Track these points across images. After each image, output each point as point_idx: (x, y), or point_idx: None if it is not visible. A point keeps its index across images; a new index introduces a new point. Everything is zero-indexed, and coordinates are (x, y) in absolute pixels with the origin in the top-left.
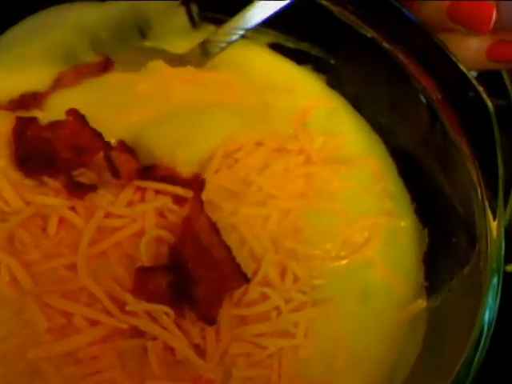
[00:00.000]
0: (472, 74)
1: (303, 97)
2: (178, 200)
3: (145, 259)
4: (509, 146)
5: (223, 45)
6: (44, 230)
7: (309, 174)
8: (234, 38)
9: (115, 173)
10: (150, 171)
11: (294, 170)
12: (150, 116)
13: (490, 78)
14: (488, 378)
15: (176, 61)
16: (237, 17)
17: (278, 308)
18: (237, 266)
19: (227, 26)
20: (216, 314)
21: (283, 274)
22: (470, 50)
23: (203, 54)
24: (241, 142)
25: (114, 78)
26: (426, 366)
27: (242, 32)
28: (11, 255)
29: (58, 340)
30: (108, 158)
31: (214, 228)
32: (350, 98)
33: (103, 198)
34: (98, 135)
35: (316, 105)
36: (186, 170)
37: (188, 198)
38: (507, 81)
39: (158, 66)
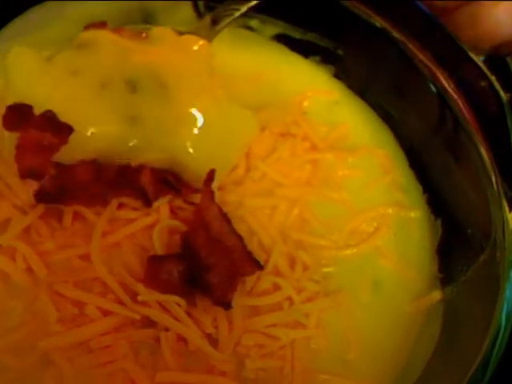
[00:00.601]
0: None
1: (304, 88)
2: (188, 202)
3: (158, 248)
4: None
5: (232, 15)
6: (60, 221)
7: (315, 161)
8: (243, 8)
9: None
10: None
11: (300, 155)
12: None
13: (496, 69)
14: (507, 374)
15: None
16: None
17: (289, 298)
18: (249, 254)
19: None
20: (231, 298)
21: (292, 263)
22: (506, 11)
23: (212, 26)
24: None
25: None
26: (444, 360)
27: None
28: (27, 244)
29: (69, 330)
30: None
31: (225, 217)
32: (358, 88)
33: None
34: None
35: (314, 94)
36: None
37: (196, 201)
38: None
39: (164, 32)
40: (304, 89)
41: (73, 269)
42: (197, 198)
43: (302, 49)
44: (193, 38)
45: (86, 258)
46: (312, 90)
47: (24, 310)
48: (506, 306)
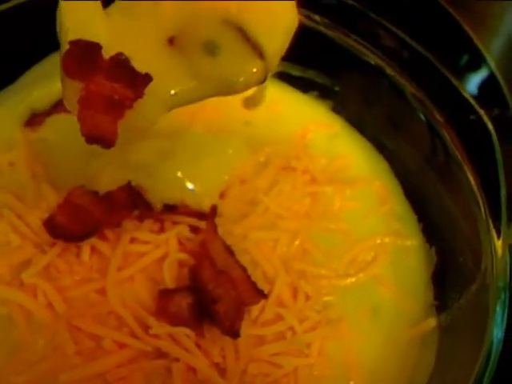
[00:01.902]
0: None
1: (306, 122)
2: (194, 230)
3: (168, 281)
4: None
5: None
6: (77, 256)
7: (314, 193)
8: None
9: (148, 207)
10: (170, 209)
11: (300, 188)
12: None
13: (487, 87)
14: None
15: None
16: None
17: (292, 328)
18: (253, 284)
19: None
20: (239, 327)
21: (295, 293)
22: None
23: None
24: (249, 164)
25: None
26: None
27: None
28: (48, 281)
29: (87, 363)
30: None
31: (228, 250)
32: (355, 121)
33: (128, 225)
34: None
35: (315, 128)
36: (207, 202)
37: (202, 227)
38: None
39: None
40: (305, 122)
41: (90, 303)
42: (202, 225)
43: (301, 85)
44: None
45: (101, 292)
46: (313, 124)
47: (45, 344)
48: (496, 331)
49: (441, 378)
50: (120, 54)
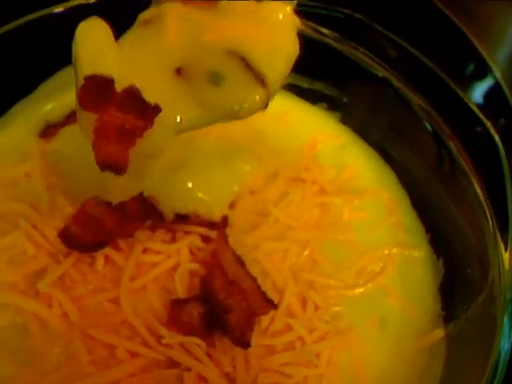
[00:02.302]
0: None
1: (315, 133)
2: (205, 239)
3: (180, 291)
4: None
5: None
6: (91, 265)
7: (323, 204)
8: None
9: (161, 217)
10: (182, 219)
11: (309, 199)
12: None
13: (493, 97)
14: None
15: None
16: None
17: (301, 338)
18: (263, 294)
19: None
20: (249, 337)
21: (304, 303)
22: None
23: None
24: (259, 175)
25: None
26: None
27: None
28: (62, 291)
29: (100, 372)
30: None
31: (239, 261)
32: (362, 132)
33: (141, 235)
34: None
35: (324, 139)
36: (217, 212)
37: (213, 237)
38: (511, 99)
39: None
40: (314, 133)
41: (103, 312)
42: (213, 234)
43: (310, 97)
44: (276, 4)
45: (115, 301)
46: (322, 135)
47: (60, 353)
48: (503, 342)
49: None
50: (131, 87)
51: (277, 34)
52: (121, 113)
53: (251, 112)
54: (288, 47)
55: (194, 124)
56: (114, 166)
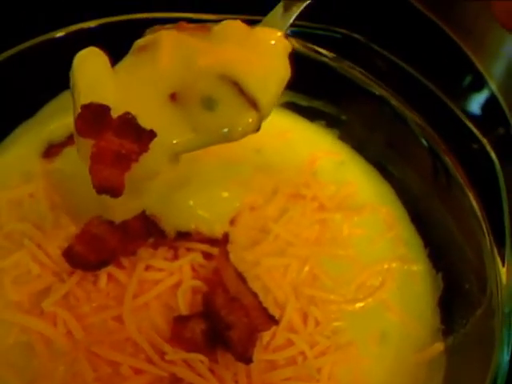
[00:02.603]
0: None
1: (314, 150)
2: (207, 256)
3: (182, 308)
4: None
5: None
6: (95, 283)
7: (323, 221)
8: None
9: (163, 235)
10: (184, 237)
11: (309, 215)
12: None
13: (490, 109)
14: None
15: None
16: None
17: (303, 353)
18: (264, 310)
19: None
20: (252, 353)
21: (305, 319)
22: None
23: (284, 14)
24: (259, 191)
25: None
26: None
27: None
28: (66, 309)
29: None
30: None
31: (240, 277)
32: (361, 149)
33: (143, 252)
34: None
35: (323, 155)
36: (218, 228)
37: (214, 253)
38: (507, 111)
39: (232, 25)
40: (313, 150)
41: (107, 330)
42: (214, 251)
43: (309, 114)
44: (268, 30)
45: (118, 319)
46: (321, 151)
47: (65, 371)
48: (501, 355)
49: None
50: (127, 114)
51: (268, 59)
52: (117, 138)
53: (244, 134)
54: (280, 71)
55: (188, 147)
56: (111, 190)
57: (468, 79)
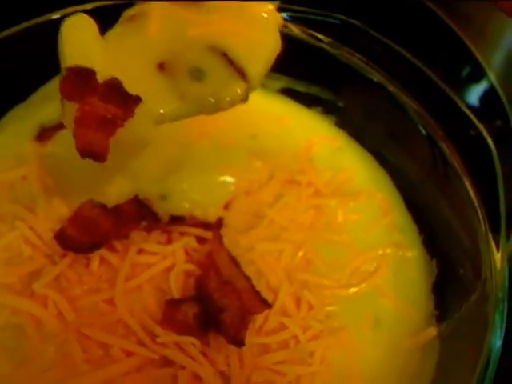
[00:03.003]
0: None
1: (310, 136)
2: (201, 240)
3: (174, 291)
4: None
5: None
6: (87, 266)
7: (318, 206)
8: None
9: (156, 219)
10: (177, 221)
11: (305, 201)
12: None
13: (488, 100)
14: None
15: None
16: None
17: (295, 336)
18: (257, 294)
19: None
20: (244, 336)
21: (298, 303)
22: None
23: None
24: (255, 176)
25: None
26: None
27: None
28: (57, 291)
29: (95, 370)
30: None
31: (233, 261)
32: (357, 136)
33: (136, 236)
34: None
35: (319, 141)
36: (212, 213)
37: (208, 238)
38: (505, 102)
39: None
40: (309, 136)
41: (99, 312)
42: (208, 235)
43: (306, 101)
44: (260, 3)
45: (110, 301)
46: (318, 137)
47: (55, 352)
48: (494, 340)
49: None
50: (113, 79)
51: (259, 31)
52: (102, 102)
53: (232, 104)
54: (270, 43)
55: (175, 115)
56: (94, 154)
57: (467, 69)
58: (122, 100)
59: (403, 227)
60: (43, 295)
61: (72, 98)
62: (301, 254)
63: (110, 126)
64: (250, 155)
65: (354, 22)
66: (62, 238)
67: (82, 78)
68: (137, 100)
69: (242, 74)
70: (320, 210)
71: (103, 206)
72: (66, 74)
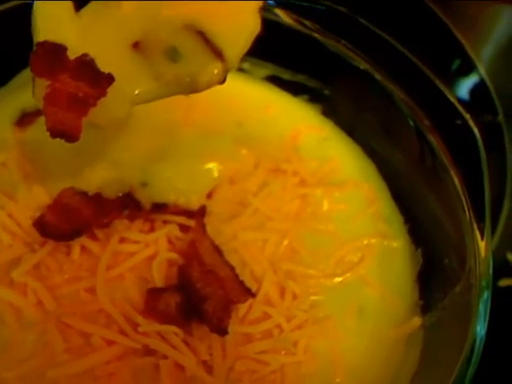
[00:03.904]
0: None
1: (296, 125)
2: (184, 229)
3: (157, 280)
4: (496, 160)
5: None
6: (67, 255)
7: (304, 196)
8: None
9: (138, 207)
10: (160, 208)
11: (290, 190)
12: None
13: (478, 93)
14: None
15: None
16: None
17: (279, 326)
18: (241, 283)
19: None
20: (227, 325)
21: (282, 292)
22: None
23: None
24: (240, 165)
25: None
26: (423, 381)
27: None
28: (37, 279)
29: (75, 359)
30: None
31: (216, 249)
32: (344, 125)
33: (119, 225)
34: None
35: (305, 131)
36: (195, 201)
37: (191, 226)
38: (495, 96)
39: None
40: (295, 125)
41: (79, 301)
42: (191, 223)
43: (292, 89)
44: None
45: (91, 290)
46: (304, 126)
47: (35, 341)
48: (478, 328)
49: (425, 375)
50: (85, 55)
51: (238, 12)
52: (74, 80)
53: (209, 85)
54: (248, 24)
55: (150, 96)
56: (65, 134)
57: (457, 63)
58: (94, 78)
59: (388, 217)
60: (23, 284)
61: (43, 75)
62: (285, 243)
63: (82, 105)
64: (235, 143)
65: (341, 8)
66: (41, 225)
67: (53, 54)
68: (109, 79)
69: (219, 54)
70: (305, 199)
71: (84, 193)
72: (36, 50)
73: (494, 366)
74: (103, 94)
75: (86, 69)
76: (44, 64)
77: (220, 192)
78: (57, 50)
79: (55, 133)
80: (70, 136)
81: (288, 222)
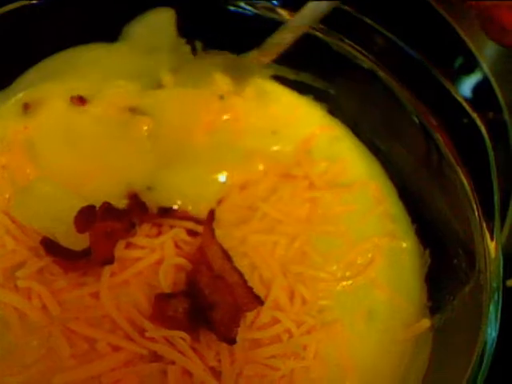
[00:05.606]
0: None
1: (306, 125)
2: (192, 233)
3: (164, 286)
4: (504, 157)
5: (280, 45)
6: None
7: (313, 199)
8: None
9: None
10: (167, 212)
11: (300, 194)
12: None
13: (481, 91)
14: None
15: (234, 67)
16: (292, 18)
17: (288, 330)
18: (250, 290)
19: (283, 28)
20: (235, 334)
21: (292, 297)
22: None
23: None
24: (249, 172)
25: None
26: None
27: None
28: (42, 284)
29: (81, 365)
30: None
31: (225, 255)
32: (350, 125)
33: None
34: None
35: (319, 132)
36: (203, 209)
37: (200, 231)
38: (498, 93)
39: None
40: (304, 126)
41: (84, 306)
42: (200, 229)
43: (297, 89)
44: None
45: (96, 295)
46: (316, 128)
47: (39, 346)
48: (489, 330)
49: (435, 377)
50: (105, 203)
51: None
52: (103, 222)
53: None
54: None
55: None
56: (110, 260)
57: (460, 61)
58: (116, 216)
59: (396, 217)
60: (27, 288)
61: (85, 230)
62: (296, 245)
63: (114, 236)
64: (243, 149)
65: (346, 8)
66: (48, 245)
67: (88, 213)
68: (128, 216)
69: None
70: (315, 202)
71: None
72: (76, 216)
73: (502, 367)
74: (127, 227)
75: (108, 211)
76: (84, 223)
77: (230, 198)
78: (89, 211)
79: (101, 262)
80: (109, 260)
81: (298, 225)
